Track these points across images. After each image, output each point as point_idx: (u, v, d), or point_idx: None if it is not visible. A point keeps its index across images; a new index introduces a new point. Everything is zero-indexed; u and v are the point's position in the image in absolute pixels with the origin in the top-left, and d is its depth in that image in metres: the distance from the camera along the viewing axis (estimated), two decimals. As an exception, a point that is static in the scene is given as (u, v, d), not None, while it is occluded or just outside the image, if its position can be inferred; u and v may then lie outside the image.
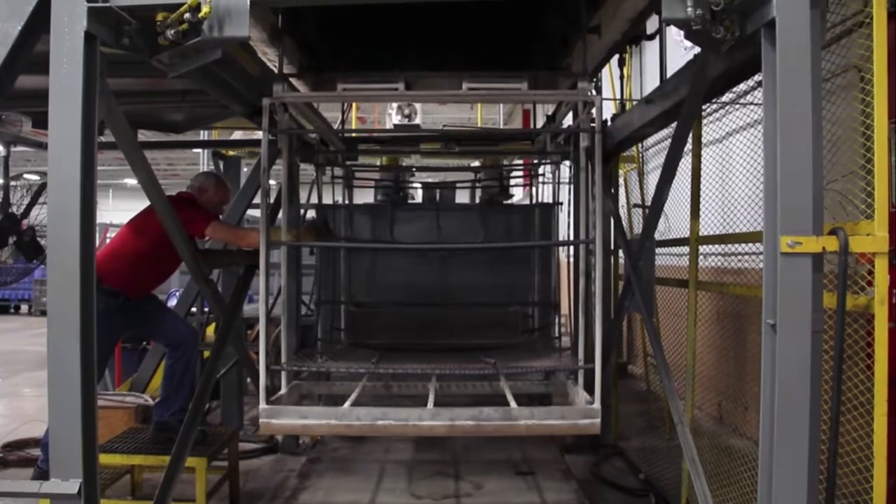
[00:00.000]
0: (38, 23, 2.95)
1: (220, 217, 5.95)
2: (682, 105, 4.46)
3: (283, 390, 4.54)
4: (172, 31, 3.03)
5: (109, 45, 3.06)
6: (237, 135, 8.79)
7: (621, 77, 7.67)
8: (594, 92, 5.89)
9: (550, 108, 7.38)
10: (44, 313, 20.56)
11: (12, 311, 25.19)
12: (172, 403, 5.53)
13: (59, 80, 2.89)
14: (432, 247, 7.32)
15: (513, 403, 4.03)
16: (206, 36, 3.06)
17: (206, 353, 6.51)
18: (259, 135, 6.05)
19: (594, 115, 4.30)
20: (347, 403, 4.04)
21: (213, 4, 2.98)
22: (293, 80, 5.53)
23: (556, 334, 7.01)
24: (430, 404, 4.05)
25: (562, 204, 7.38)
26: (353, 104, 9.62)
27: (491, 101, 10.61)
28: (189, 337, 5.78)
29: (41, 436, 5.75)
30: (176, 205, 4.76)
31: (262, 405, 4.03)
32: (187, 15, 2.97)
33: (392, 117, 6.34)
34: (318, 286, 7.33)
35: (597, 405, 3.99)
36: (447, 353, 5.64)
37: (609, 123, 6.53)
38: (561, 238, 7.40)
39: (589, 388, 4.23)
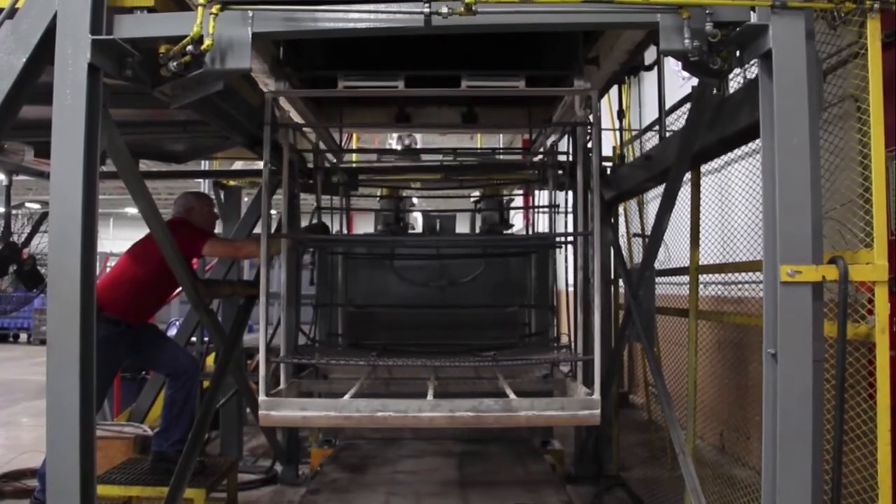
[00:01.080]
0: (43, 55, 2.99)
1: (215, 231, 5.96)
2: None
3: (283, 385, 4.48)
4: (175, 63, 3.07)
5: (112, 76, 3.09)
6: (238, 165, 8.83)
7: (620, 108, 7.71)
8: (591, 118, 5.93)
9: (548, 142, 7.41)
10: (43, 342, 20.45)
11: (11, 339, 25.11)
12: (172, 434, 5.49)
13: (62, 112, 2.93)
14: (428, 240, 7.28)
15: (512, 396, 3.99)
16: (208, 68, 3.10)
17: (206, 383, 6.48)
18: (260, 164, 6.08)
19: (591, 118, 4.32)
20: (347, 396, 4.00)
21: (215, 37, 3.02)
22: (295, 108, 5.57)
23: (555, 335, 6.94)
24: (430, 397, 3.99)
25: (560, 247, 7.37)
26: (354, 135, 9.66)
27: (491, 130, 10.65)
28: (190, 367, 5.74)
29: (38, 466, 5.71)
30: (171, 230, 4.79)
31: (262, 397, 3.96)
32: (190, 47, 3.01)
33: (392, 146, 6.38)
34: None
35: (596, 396, 3.95)
36: (445, 353, 5.59)
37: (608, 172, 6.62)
38: (561, 268, 7.39)
39: (588, 382, 4.19)
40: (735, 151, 4.94)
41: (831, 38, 3.56)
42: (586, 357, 4.25)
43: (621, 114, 7.65)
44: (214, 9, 3.01)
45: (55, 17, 2.97)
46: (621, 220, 8.40)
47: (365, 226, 8.19)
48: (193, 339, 8.21)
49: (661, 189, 5.29)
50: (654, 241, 5.18)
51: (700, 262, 5.12)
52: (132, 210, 28.78)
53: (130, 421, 7.55)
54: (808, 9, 3.00)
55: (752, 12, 3.04)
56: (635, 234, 7.96)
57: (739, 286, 5.70)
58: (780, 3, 2.95)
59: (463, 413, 3.84)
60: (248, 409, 7.89)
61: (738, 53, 3.18)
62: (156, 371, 7.53)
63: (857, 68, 3.27)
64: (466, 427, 4.43)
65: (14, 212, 6.72)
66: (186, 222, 5.65)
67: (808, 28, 3.00)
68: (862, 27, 3.12)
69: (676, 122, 6.25)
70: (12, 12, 3.02)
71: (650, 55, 6.12)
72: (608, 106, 8.42)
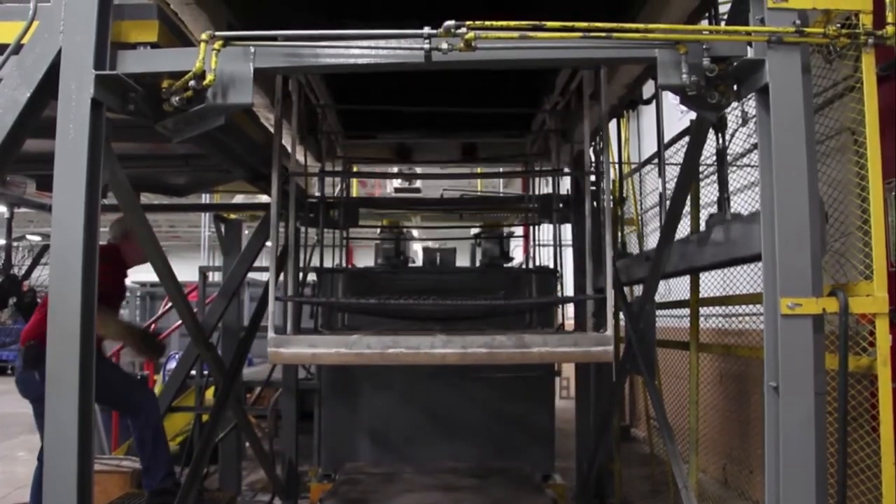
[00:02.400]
0: (47, 90, 3.01)
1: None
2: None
3: (289, 331, 4.41)
4: (177, 98, 3.10)
5: (115, 110, 3.12)
6: (239, 198, 8.87)
7: (619, 140, 7.77)
8: (592, 158, 5.97)
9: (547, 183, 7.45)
10: (42, 376, 20.46)
11: (10, 371, 24.97)
12: (157, 471, 5.28)
13: (65, 146, 2.94)
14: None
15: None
16: (210, 103, 3.13)
17: (206, 417, 6.44)
18: (261, 198, 6.08)
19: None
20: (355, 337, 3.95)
21: (217, 72, 3.04)
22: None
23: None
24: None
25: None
26: (354, 167, 9.71)
27: (491, 164, 10.71)
28: (145, 401, 5.45)
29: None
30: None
31: (271, 334, 3.92)
32: (192, 82, 3.04)
33: (393, 182, 6.42)
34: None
35: (609, 332, 3.92)
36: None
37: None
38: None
39: (600, 322, 4.17)
40: (734, 184, 4.97)
41: (827, 71, 3.60)
42: (599, 296, 4.20)
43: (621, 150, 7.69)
44: (217, 44, 3.05)
45: (59, 52, 3.00)
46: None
47: (365, 258, 8.20)
48: (193, 372, 8.17)
49: (661, 218, 5.31)
50: (654, 273, 5.18)
51: (701, 295, 5.12)
52: (133, 243, 28.84)
53: (128, 455, 7.48)
54: (804, 44, 3.03)
55: (748, 47, 3.07)
56: (635, 267, 7.95)
57: (740, 318, 5.69)
58: (776, 39, 2.98)
59: (476, 349, 3.80)
60: (247, 444, 7.84)
61: (735, 87, 3.21)
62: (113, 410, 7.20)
63: (853, 101, 3.30)
64: (479, 364, 4.29)
65: (15, 244, 6.73)
66: (115, 252, 5.44)
67: (804, 62, 3.03)
68: (857, 61, 3.15)
69: (676, 154, 6.29)
70: (17, 48, 3.05)
71: (648, 89, 6.17)
72: (607, 138, 8.47)
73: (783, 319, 2.89)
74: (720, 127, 4.52)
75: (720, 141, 4.59)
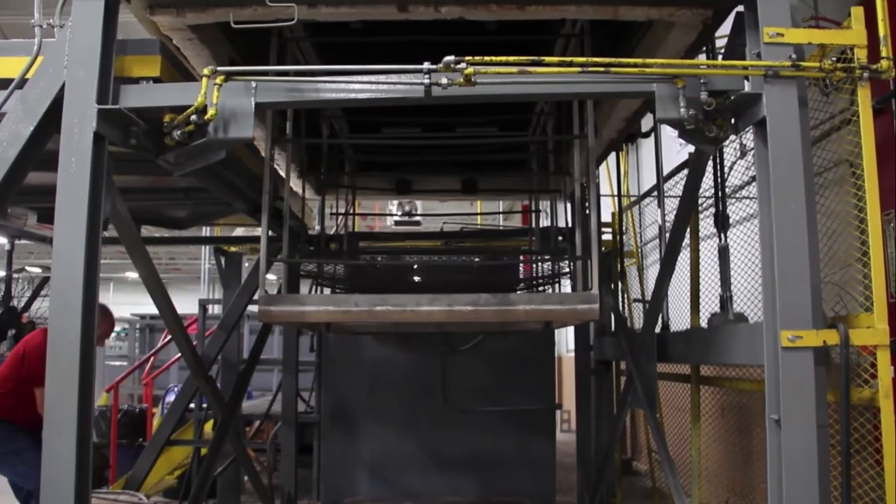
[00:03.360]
0: (50, 123, 3.04)
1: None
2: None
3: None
4: (179, 132, 3.12)
5: (117, 144, 3.14)
6: (239, 231, 8.88)
7: (618, 173, 7.80)
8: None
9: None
10: (39, 410, 20.25)
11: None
12: None
13: (67, 179, 2.96)
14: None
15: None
16: (211, 137, 3.15)
17: (204, 451, 6.39)
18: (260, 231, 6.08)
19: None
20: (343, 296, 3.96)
21: (218, 107, 3.07)
22: (296, 183, 5.64)
23: None
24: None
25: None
26: (355, 201, 9.74)
27: (491, 197, 10.76)
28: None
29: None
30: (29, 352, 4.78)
31: (261, 292, 3.95)
32: (194, 117, 3.06)
33: (392, 212, 6.43)
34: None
35: (595, 291, 3.92)
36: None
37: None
38: (561, 335, 7.38)
39: (587, 281, 4.19)
40: (733, 216, 4.99)
41: (824, 104, 3.63)
42: (583, 257, 4.24)
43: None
44: (219, 79, 3.08)
45: (63, 87, 3.03)
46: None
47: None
48: (192, 405, 8.12)
49: (661, 250, 5.31)
50: (654, 306, 5.17)
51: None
52: (132, 275, 28.84)
53: (126, 489, 7.41)
54: (801, 77, 3.06)
55: (745, 81, 3.10)
56: (635, 300, 7.95)
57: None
58: (772, 73, 3.01)
59: (462, 307, 3.82)
60: (245, 477, 7.77)
61: (733, 121, 3.23)
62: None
63: (850, 134, 3.32)
64: (465, 321, 4.32)
65: (15, 275, 6.73)
66: None
67: (800, 96, 3.06)
68: (853, 94, 3.18)
69: (675, 186, 6.31)
70: (22, 82, 3.08)
71: (647, 122, 6.21)
72: (606, 171, 8.52)
73: (784, 352, 2.88)
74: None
75: (722, 239, 4.63)
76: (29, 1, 3.18)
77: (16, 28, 11.65)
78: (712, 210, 5.39)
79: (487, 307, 3.87)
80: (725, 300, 4.47)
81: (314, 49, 4.69)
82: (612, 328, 6.99)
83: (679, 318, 5.82)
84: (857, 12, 3.14)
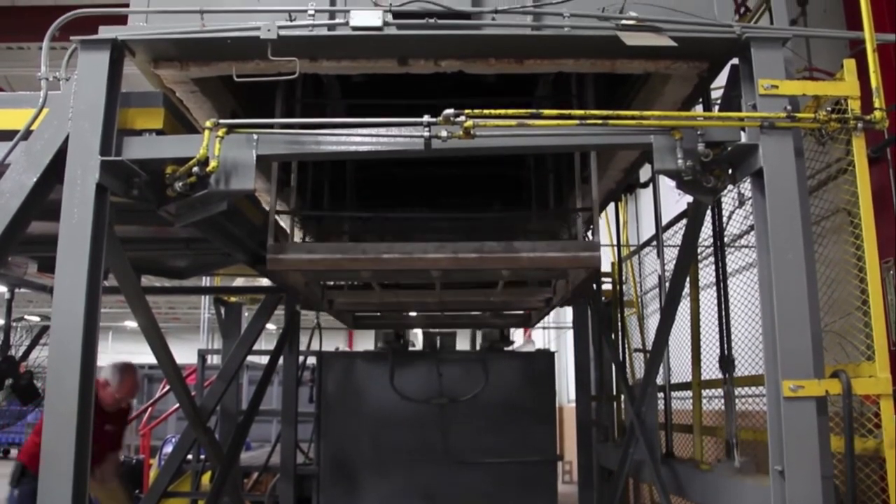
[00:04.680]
0: (53, 174, 3.07)
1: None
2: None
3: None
4: (181, 184, 3.14)
5: (119, 195, 3.16)
6: (239, 281, 8.88)
7: (617, 223, 7.83)
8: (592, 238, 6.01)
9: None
10: (35, 462, 19.98)
11: (1, 455, 24.44)
12: None
13: (68, 229, 2.98)
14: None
15: None
16: (212, 188, 3.17)
17: (202, 503, 6.30)
18: (261, 281, 6.10)
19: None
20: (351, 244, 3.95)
21: (220, 159, 3.10)
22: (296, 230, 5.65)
23: None
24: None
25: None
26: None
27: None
28: None
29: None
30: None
31: (270, 241, 3.96)
32: (195, 168, 3.09)
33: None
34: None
35: (596, 239, 3.95)
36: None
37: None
38: (562, 385, 7.35)
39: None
40: (731, 265, 4.99)
41: (820, 154, 3.66)
42: (585, 209, 4.25)
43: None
44: (220, 132, 3.11)
45: (67, 138, 3.06)
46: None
47: (365, 342, 8.19)
48: (189, 456, 8.03)
49: (661, 300, 5.30)
50: (655, 356, 5.15)
51: (703, 377, 5.08)
52: (131, 324, 28.70)
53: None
54: (796, 128, 3.10)
55: (742, 132, 3.14)
56: (636, 350, 7.92)
57: (743, 399, 5.62)
58: (768, 124, 3.04)
59: (467, 255, 3.88)
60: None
61: (730, 171, 3.26)
62: None
63: (846, 183, 3.35)
64: (470, 269, 4.32)
65: (13, 324, 6.70)
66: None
67: (796, 146, 3.09)
68: (848, 144, 3.21)
69: (674, 236, 6.33)
70: (27, 134, 3.12)
71: (645, 172, 6.25)
72: (606, 221, 8.56)
73: (786, 402, 2.87)
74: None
75: (726, 380, 4.60)
76: (36, 53, 3.24)
77: (23, 80, 11.83)
78: (712, 259, 5.42)
79: (492, 254, 3.93)
80: (731, 447, 4.40)
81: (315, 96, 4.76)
82: (615, 434, 6.88)
83: (680, 369, 5.79)
84: (850, 64, 3.19)
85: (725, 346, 4.65)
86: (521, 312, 7.47)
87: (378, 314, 7.83)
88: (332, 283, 6.37)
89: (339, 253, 3.96)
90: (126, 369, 5.61)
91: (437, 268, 4.18)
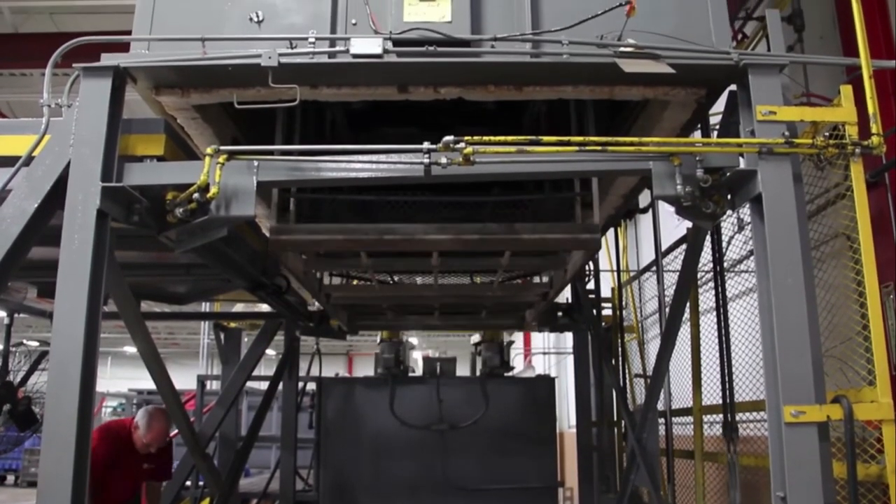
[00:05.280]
0: (54, 200, 3.07)
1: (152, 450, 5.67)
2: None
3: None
4: (181, 210, 3.15)
5: (120, 221, 3.16)
6: (239, 307, 8.87)
7: (617, 249, 7.84)
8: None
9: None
10: (31, 484, 19.77)
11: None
12: None
13: (69, 255, 2.98)
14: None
15: None
16: (213, 215, 3.18)
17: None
18: (261, 307, 6.10)
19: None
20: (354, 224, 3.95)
21: (221, 185, 3.10)
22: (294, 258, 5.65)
23: None
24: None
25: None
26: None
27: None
28: None
29: None
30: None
31: (273, 223, 3.94)
32: (196, 195, 3.09)
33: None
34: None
35: (597, 221, 3.98)
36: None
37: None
38: (563, 410, 7.32)
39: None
40: (731, 290, 5.00)
41: (818, 179, 3.67)
42: (586, 192, 4.25)
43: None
44: (221, 158, 3.12)
45: (68, 165, 3.07)
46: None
47: (365, 368, 8.17)
48: (188, 483, 7.97)
49: (661, 325, 5.30)
50: (655, 382, 5.13)
51: (704, 402, 5.06)
52: (130, 349, 28.63)
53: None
54: (795, 154, 3.11)
55: (740, 158, 3.15)
56: (636, 375, 7.90)
57: (744, 425, 5.60)
58: (766, 150, 3.05)
59: (469, 236, 3.90)
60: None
61: (729, 197, 3.27)
62: None
63: (845, 208, 3.36)
64: (472, 250, 4.33)
65: (12, 349, 6.69)
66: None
67: (795, 172, 3.09)
68: (847, 169, 3.22)
69: (674, 261, 6.34)
70: (29, 160, 3.13)
71: (645, 197, 6.27)
72: (605, 247, 8.57)
73: (787, 428, 2.85)
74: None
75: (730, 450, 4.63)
76: (38, 80, 3.26)
77: (25, 106, 11.90)
78: (712, 284, 5.42)
79: (494, 235, 3.96)
80: None
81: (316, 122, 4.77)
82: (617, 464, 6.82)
83: (681, 397, 5.77)
84: (847, 91, 3.21)
85: (729, 412, 4.65)
86: (517, 313, 7.37)
87: (375, 316, 7.75)
88: (328, 279, 6.35)
89: (341, 234, 3.96)
90: (156, 415, 5.61)
91: (439, 249, 4.24)
